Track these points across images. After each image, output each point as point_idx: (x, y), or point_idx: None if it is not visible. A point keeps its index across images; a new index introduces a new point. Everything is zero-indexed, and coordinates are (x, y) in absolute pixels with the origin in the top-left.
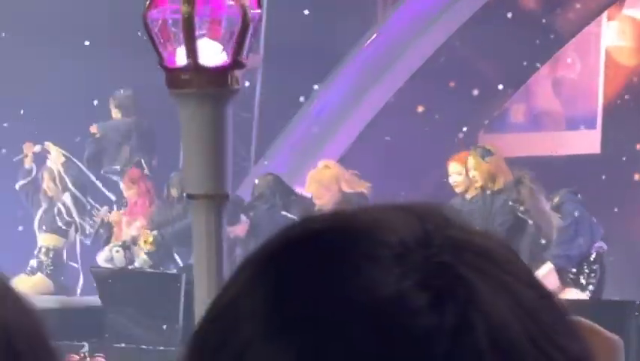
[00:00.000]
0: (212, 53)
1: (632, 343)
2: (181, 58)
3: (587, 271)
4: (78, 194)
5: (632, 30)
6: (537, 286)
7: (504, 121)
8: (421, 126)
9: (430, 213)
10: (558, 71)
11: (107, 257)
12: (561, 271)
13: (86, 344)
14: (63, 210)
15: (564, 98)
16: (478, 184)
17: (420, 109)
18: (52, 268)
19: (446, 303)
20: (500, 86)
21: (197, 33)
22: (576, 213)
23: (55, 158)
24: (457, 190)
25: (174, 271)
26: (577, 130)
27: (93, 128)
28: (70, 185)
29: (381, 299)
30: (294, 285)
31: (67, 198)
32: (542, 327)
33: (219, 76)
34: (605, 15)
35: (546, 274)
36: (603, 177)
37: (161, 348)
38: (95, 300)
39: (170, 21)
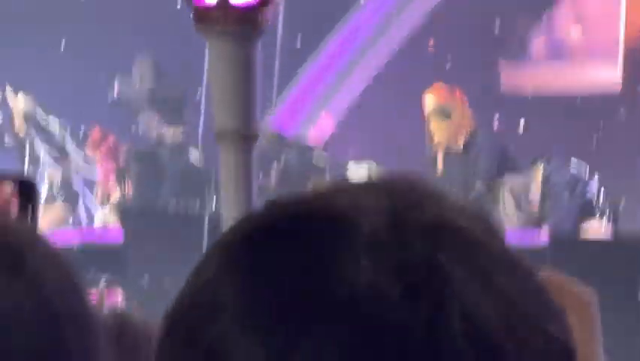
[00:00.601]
0: None
1: None
2: None
3: (605, 210)
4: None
5: None
6: (514, 266)
7: (524, 54)
8: (441, 61)
9: (402, 190)
10: (579, 3)
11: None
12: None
13: (103, 279)
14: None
15: (586, 32)
16: (443, 147)
17: (434, 46)
18: (65, 195)
19: (421, 293)
20: (520, 19)
21: None
22: (565, 180)
23: (15, 102)
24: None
25: (198, 210)
26: (598, 65)
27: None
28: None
29: (356, 292)
30: (268, 275)
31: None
32: (519, 311)
33: (249, 14)
34: None
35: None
36: (623, 110)
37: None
38: (116, 238)
39: None
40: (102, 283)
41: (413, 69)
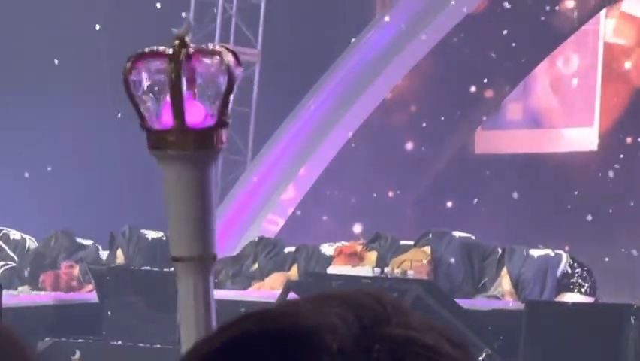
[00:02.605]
0: (196, 114)
1: (629, 345)
2: (165, 119)
3: (579, 280)
4: None
5: (630, 27)
6: None
7: (501, 118)
8: (419, 122)
9: (368, 307)
10: (556, 68)
11: None
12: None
13: (77, 352)
14: None
15: (562, 95)
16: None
17: (413, 107)
18: None
19: None
20: (498, 83)
21: (183, 93)
22: (530, 273)
23: None
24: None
25: (172, 268)
26: (574, 127)
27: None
28: None
29: None
30: None
31: None
32: None
33: (205, 137)
34: (603, 12)
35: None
36: (600, 174)
37: (159, 346)
38: (91, 297)
39: (151, 82)
40: (77, 355)
41: (393, 126)
